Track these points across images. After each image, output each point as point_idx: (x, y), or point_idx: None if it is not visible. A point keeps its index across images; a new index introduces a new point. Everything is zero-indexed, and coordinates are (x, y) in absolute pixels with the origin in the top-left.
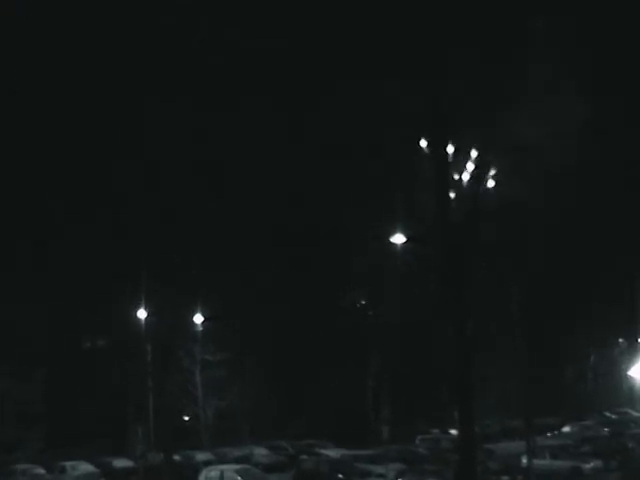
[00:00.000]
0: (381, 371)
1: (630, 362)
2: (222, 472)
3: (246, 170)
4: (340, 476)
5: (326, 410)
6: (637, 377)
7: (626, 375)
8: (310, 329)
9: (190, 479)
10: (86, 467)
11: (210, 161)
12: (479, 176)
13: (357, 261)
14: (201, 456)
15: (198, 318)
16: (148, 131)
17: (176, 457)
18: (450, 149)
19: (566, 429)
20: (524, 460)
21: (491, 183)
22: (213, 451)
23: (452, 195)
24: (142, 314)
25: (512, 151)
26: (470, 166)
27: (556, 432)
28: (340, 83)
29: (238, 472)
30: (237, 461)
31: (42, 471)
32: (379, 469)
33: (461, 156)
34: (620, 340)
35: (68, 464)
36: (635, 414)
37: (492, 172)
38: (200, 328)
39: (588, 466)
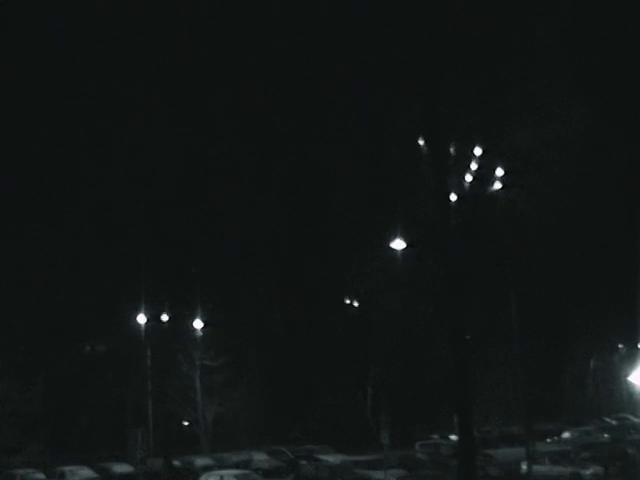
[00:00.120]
0: (380, 377)
1: (630, 368)
2: (222, 477)
3: (246, 175)
4: None
5: (326, 415)
6: (637, 383)
7: (626, 381)
8: (310, 335)
9: None
10: (85, 472)
11: (210, 166)
12: (480, 183)
13: (357, 267)
14: (200, 461)
15: (198, 323)
16: (149, 135)
17: (176, 462)
18: (450, 155)
19: (566, 435)
20: (524, 466)
21: (492, 188)
22: (212, 456)
23: (452, 201)
24: (142, 319)
25: (511, 160)
26: (469, 176)
27: (556, 438)
28: (341, 93)
29: (237, 477)
30: (236, 466)
31: (41, 476)
32: (379, 475)
33: (461, 164)
34: (620, 346)
35: (67, 469)
36: (635, 420)
37: (494, 178)
38: (200, 333)
39: (588, 472)
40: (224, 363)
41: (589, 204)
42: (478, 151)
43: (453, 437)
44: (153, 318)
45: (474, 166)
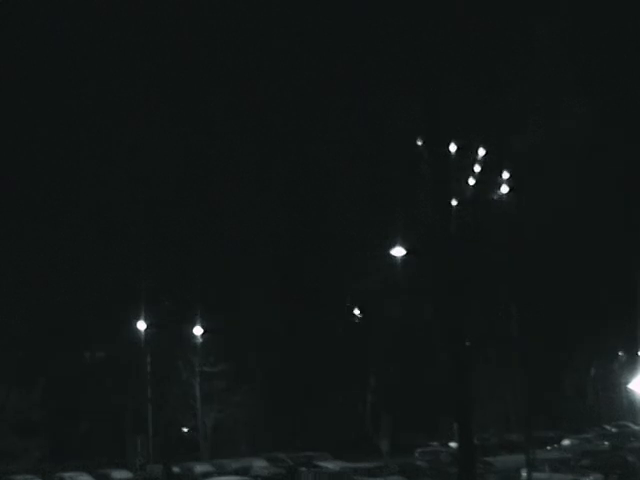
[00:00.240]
0: (380, 384)
1: (630, 375)
2: None
3: (246, 175)
4: None
5: (326, 422)
6: (637, 390)
7: (626, 388)
8: (310, 340)
9: None
10: (85, 478)
11: (210, 166)
12: (480, 185)
13: (357, 274)
14: (200, 468)
15: (198, 330)
16: (149, 135)
17: (175, 469)
18: (450, 156)
19: (566, 442)
20: (524, 473)
21: (492, 191)
22: (212, 463)
23: (452, 203)
24: (142, 326)
25: (511, 161)
26: (469, 177)
27: (556, 445)
28: (341, 93)
29: None
30: (236, 473)
31: None
32: None
33: (461, 165)
34: (620, 353)
35: (67, 475)
36: (635, 427)
37: (494, 180)
38: (200, 340)
39: (588, 479)
40: (224, 370)
41: (589, 209)
42: (478, 152)
43: (453, 444)
44: (153, 324)
45: (474, 167)
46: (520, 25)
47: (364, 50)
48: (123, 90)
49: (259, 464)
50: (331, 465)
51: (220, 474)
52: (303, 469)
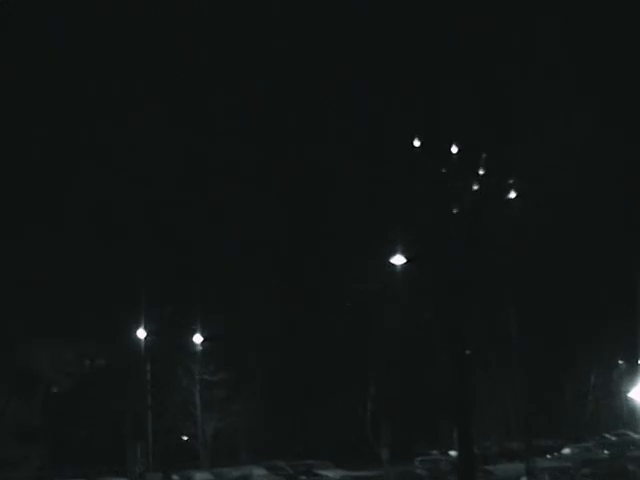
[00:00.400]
0: (380, 392)
1: (630, 384)
2: None
3: (246, 175)
4: None
5: (325, 431)
6: (637, 399)
7: (626, 397)
8: (310, 350)
9: None
10: None
11: (210, 166)
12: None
13: (357, 281)
14: (200, 476)
15: (198, 338)
16: (149, 135)
17: (175, 477)
18: (450, 158)
19: (566, 451)
20: None
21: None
22: (212, 471)
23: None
24: (142, 333)
25: (512, 164)
26: (469, 176)
27: (556, 454)
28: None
29: None
30: None
31: None
32: None
33: (460, 167)
34: (620, 362)
35: None
36: (635, 436)
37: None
38: (200, 348)
39: None
40: (224, 378)
41: (589, 216)
42: (478, 152)
43: (453, 453)
44: (153, 332)
45: (474, 167)
46: (520, 25)
47: (364, 50)
48: (123, 90)
49: (259, 472)
50: (331, 474)
51: None
52: (303, 477)
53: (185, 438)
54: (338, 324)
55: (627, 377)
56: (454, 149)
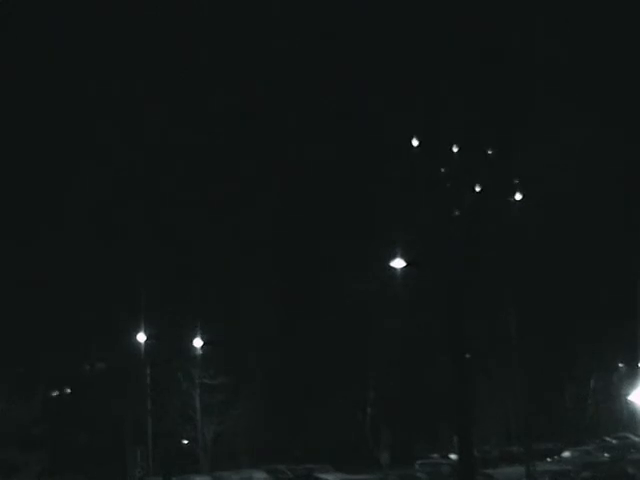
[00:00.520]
0: (380, 394)
1: (630, 387)
2: None
3: (246, 175)
4: None
5: (325, 434)
6: (637, 402)
7: (626, 400)
8: (310, 350)
9: None
10: None
11: (209, 182)
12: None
13: (357, 285)
14: None
15: (198, 342)
16: (148, 135)
17: None
18: (450, 158)
19: (566, 454)
20: None
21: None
22: (212, 475)
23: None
24: (142, 337)
25: (512, 166)
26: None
27: (556, 457)
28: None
29: None
30: None
31: None
32: None
33: (460, 168)
34: (620, 365)
35: None
36: (635, 439)
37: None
38: (200, 352)
39: None
40: (224, 382)
41: (590, 218)
42: (477, 153)
43: (453, 456)
44: (153, 336)
45: (473, 169)
46: (520, 25)
47: (364, 50)
48: (123, 90)
49: (259, 476)
50: (331, 477)
51: None
52: None
53: (185, 442)
54: (338, 324)
55: (627, 380)
56: (454, 149)
